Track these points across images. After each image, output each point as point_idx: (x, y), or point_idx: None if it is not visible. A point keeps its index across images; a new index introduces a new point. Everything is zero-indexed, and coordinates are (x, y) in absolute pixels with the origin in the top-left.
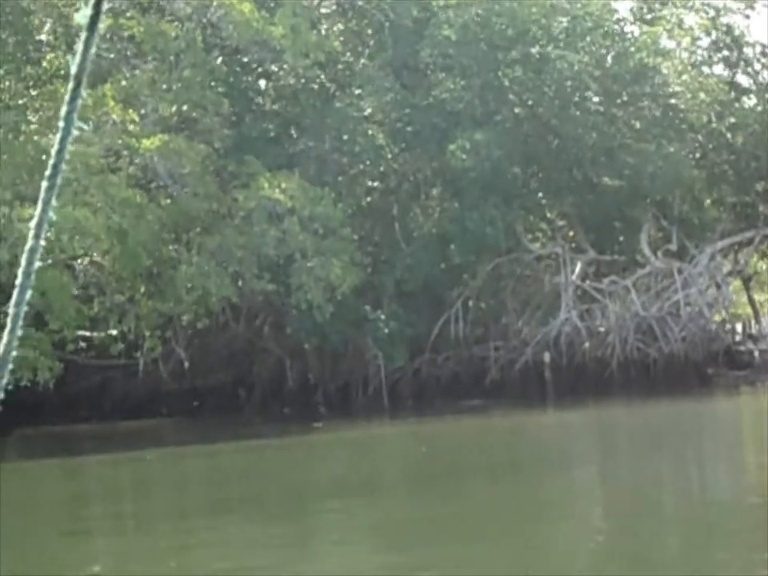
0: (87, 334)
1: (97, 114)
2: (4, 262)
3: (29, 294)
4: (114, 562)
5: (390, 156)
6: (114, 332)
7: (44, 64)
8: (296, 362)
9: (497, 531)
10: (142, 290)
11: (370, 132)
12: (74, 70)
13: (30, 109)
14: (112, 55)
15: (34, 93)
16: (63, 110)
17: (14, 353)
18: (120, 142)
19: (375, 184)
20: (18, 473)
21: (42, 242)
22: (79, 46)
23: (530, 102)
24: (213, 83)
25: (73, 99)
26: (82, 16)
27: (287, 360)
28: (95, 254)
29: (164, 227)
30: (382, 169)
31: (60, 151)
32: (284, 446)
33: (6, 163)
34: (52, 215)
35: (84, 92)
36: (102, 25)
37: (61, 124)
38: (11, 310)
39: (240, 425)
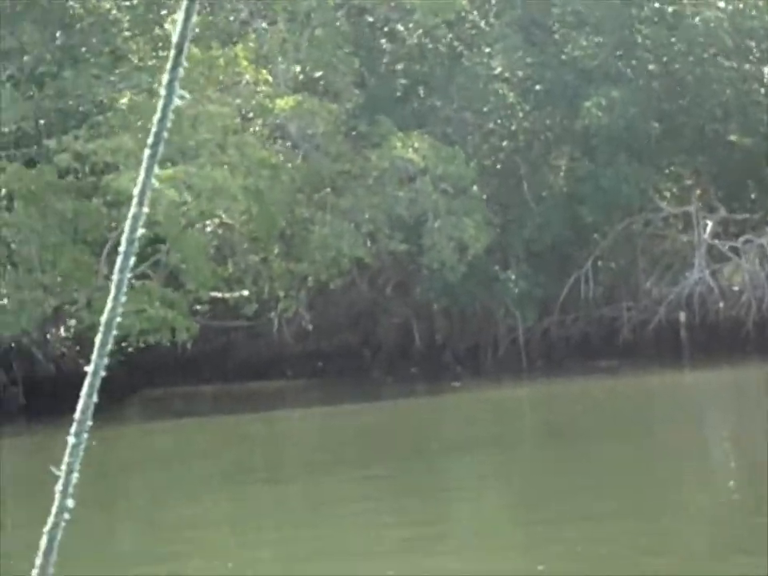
0: (220, 295)
1: (229, 74)
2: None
3: (132, 260)
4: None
5: (520, 115)
6: (247, 293)
7: (165, 26)
8: (422, 322)
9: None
10: (275, 250)
11: (500, 91)
12: (175, 38)
13: (161, 70)
14: (243, 14)
15: (163, 54)
16: (165, 78)
17: (119, 318)
18: (253, 102)
19: (504, 143)
20: (148, 432)
21: (145, 209)
22: (180, 15)
23: (663, 59)
24: (341, 43)
25: (174, 67)
26: None
27: (413, 320)
28: (225, 216)
29: (297, 188)
30: (513, 128)
31: (162, 119)
32: (421, 406)
33: (142, 125)
34: (155, 183)
35: (216, 52)
36: None
37: (162, 92)
38: (115, 276)
39: (368, 385)
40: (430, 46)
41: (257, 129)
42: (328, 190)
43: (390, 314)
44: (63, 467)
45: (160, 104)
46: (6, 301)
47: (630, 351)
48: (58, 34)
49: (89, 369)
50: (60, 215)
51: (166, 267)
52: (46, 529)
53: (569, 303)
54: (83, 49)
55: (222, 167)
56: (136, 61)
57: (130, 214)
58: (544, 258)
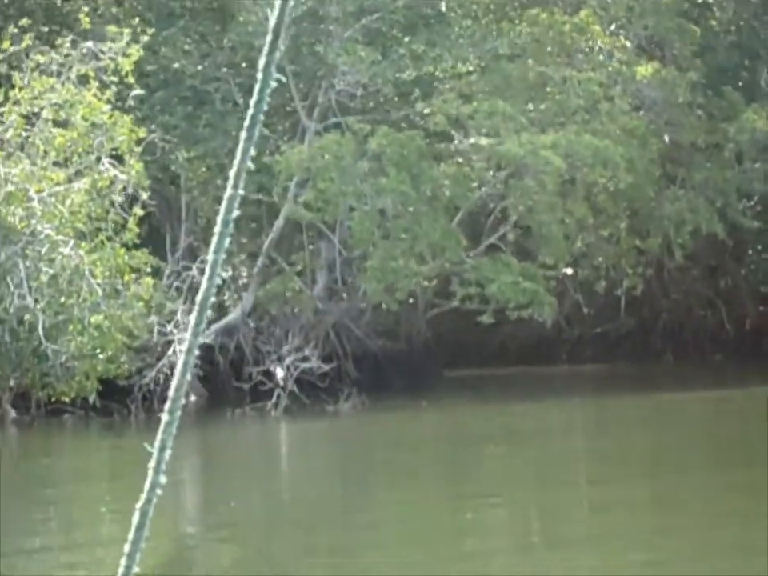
0: (569, 271)
1: (577, 41)
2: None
3: (228, 241)
4: None
5: None
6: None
7: None
8: (733, 307)
9: None
10: (622, 225)
11: None
12: (272, 22)
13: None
14: None
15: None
16: (261, 61)
17: (213, 299)
18: (610, 69)
19: None
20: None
21: (241, 191)
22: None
23: None
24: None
25: (271, 51)
26: None
27: (721, 304)
28: (607, 185)
29: (653, 159)
30: None
31: (259, 102)
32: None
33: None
34: (250, 165)
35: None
36: None
37: (259, 75)
38: (210, 257)
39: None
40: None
41: (618, 97)
42: (681, 163)
43: (697, 296)
44: (156, 444)
45: (256, 87)
46: (375, 271)
47: None
48: None
49: (182, 348)
50: (432, 182)
51: (519, 239)
52: (139, 504)
53: None
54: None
55: (594, 135)
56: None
57: (226, 195)
58: None
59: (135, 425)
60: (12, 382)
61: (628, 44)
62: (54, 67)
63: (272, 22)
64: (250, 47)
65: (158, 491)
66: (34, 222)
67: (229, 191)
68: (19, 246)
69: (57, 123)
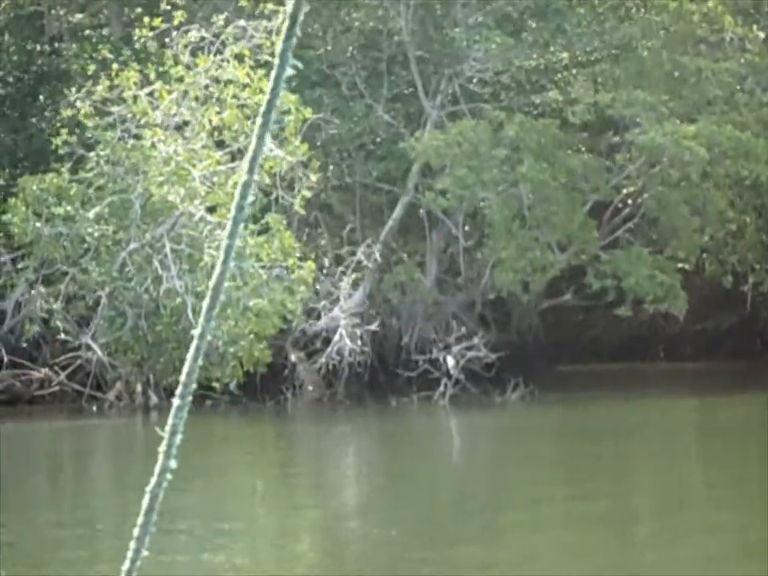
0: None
1: (706, 31)
2: None
3: (241, 226)
4: None
5: None
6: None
7: None
8: None
9: None
10: (748, 219)
11: None
12: (289, 8)
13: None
14: None
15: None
16: (278, 47)
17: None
18: (742, 60)
19: None
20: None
21: (256, 177)
22: None
23: None
24: None
25: (288, 38)
26: None
27: None
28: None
29: None
30: None
31: (274, 89)
32: None
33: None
34: (265, 150)
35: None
36: None
37: (276, 61)
38: (224, 243)
39: None
40: None
41: (754, 88)
42: None
43: None
44: (167, 428)
45: (273, 74)
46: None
47: None
48: None
49: (195, 332)
50: (569, 172)
51: (647, 230)
52: (149, 488)
53: None
54: None
55: (734, 127)
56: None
57: (241, 181)
58: None
59: (291, 411)
60: (155, 367)
61: (761, 35)
62: (206, 45)
63: (289, 8)
64: (377, 32)
65: (168, 475)
66: (197, 202)
67: (244, 177)
68: (166, 228)
69: (210, 102)
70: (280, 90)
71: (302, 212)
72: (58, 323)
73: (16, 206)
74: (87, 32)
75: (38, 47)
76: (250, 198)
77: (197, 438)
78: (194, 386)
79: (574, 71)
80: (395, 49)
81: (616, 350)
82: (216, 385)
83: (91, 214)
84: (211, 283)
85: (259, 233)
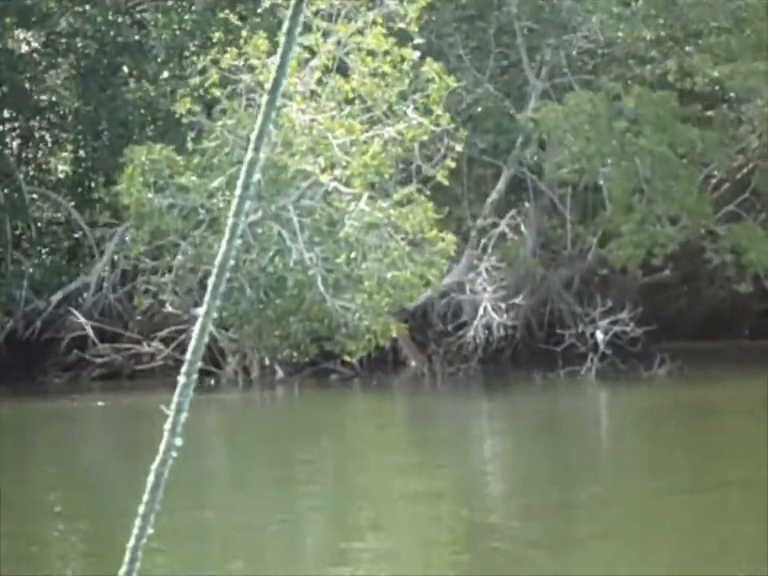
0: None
1: None
2: None
3: (247, 204)
4: None
5: None
6: None
7: None
8: None
9: None
10: None
11: None
12: None
13: None
14: None
15: None
16: (285, 25)
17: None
18: None
19: None
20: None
21: (262, 155)
22: None
23: None
24: None
25: (294, 15)
26: None
27: None
28: None
29: None
30: None
31: (281, 67)
32: None
33: None
34: (272, 129)
35: None
36: None
37: (282, 39)
38: (230, 220)
39: None
40: None
41: None
42: None
43: None
44: (173, 406)
45: (279, 51)
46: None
47: None
48: None
49: (200, 311)
50: (688, 144)
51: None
52: (154, 466)
53: None
54: None
55: None
56: None
57: (247, 158)
58: None
59: (432, 383)
60: (274, 341)
61: None
62: (335, 11)
63: None
64: (486, 2)
65: (174, 453)
66: (337, 172)
67: (250, 154)
68: (292, 199)
69: (343, 71)
70: (286, 69)
71: (446, 182)
72: (167, 296)
73: (133, 176)
74: (170, 2)
75: (120, 18)
76: (256, 176)
77: (371, 413)
78: (199, 364)
79: (688, 44)
80: (503, 18)
81: (698, 327)
82: (348, 359)
83: (216, 183)
84: (216, 261)
85: (401, 204)
